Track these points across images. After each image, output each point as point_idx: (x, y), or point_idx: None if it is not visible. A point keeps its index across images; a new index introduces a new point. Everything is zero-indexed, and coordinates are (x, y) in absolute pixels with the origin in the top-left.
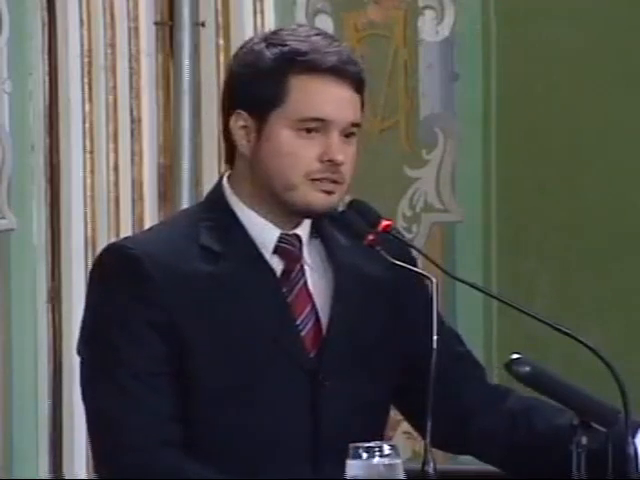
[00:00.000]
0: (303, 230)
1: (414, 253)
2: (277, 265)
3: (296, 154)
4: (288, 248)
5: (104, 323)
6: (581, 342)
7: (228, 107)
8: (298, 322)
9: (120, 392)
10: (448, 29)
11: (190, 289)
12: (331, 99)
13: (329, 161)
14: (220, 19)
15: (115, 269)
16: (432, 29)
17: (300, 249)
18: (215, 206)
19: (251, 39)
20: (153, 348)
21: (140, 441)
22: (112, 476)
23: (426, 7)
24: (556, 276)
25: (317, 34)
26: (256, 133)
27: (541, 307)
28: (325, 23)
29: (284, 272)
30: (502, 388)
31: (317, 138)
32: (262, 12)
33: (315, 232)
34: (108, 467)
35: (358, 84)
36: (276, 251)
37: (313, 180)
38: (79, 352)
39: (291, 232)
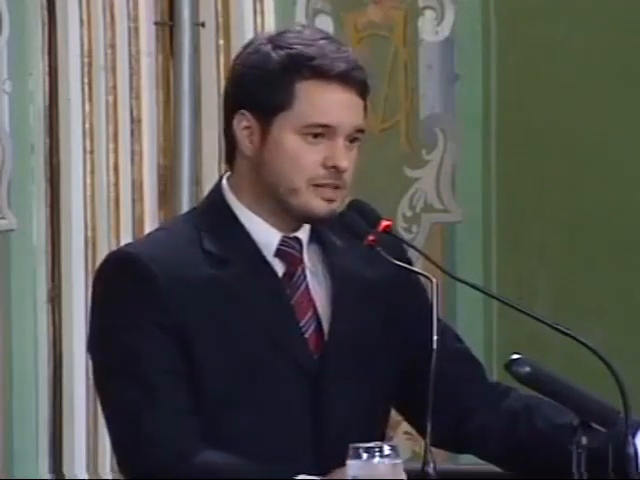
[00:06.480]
0: (303, 233)
1: (412, 254)
2: (278, 268)
3: (301, 159)
4: (289, 251)
5: (115, 326)
6: (581, 342)
7: (231, 107)
8: (302, 324)
9: (141, 389)
10: (448, 29)
11: (195, 292)
12: (338, 105)
13: (333, 167)
14: (220, 19)
15: (120, 273)
16: (432, 29)
17: (301, 252)
18: (215, 208)
19: (255, 39)
20: (166, 346)
21: (166, 434)
22: (139, 471)
23: (426, 7)
24: (556, 276)
25: (323, 38)
26: (260, 135)
27: (541, 307)
28: (325, 23)
29: (285, 275)
30: (502, 387)
31: (322, 143)
32: (262, 12)
33: (313, 235)
34: (135, 463)
35: (363, 90)
36: (277, 254)
37: (316, 186)
38: (92, 360)
39: (292, 235)
